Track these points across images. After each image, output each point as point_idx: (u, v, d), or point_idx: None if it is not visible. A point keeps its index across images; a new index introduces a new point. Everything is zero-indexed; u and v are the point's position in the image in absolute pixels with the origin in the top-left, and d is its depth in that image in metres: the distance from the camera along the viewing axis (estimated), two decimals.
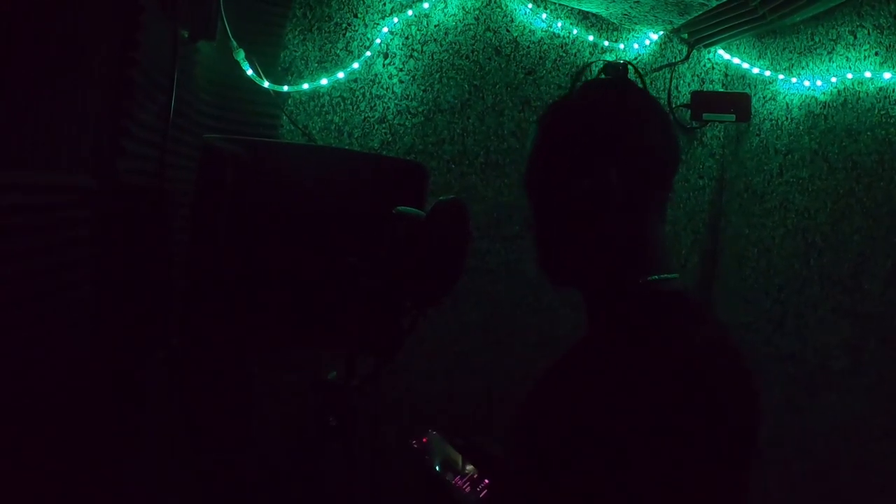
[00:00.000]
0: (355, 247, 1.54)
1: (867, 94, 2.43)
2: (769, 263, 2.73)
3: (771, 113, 2.82)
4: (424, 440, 1.53)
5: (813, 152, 2.61)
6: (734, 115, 2.84)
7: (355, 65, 2.66)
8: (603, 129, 1.13)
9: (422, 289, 1.39)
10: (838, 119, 2.52)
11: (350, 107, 2.70)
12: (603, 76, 1.24)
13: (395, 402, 2.72)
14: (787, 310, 2.62)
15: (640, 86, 1.25)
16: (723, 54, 3.02)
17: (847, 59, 2.52)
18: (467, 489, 1.51)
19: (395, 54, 2.73)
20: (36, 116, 1.32)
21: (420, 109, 2.76)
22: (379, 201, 1.47)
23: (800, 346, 2.54)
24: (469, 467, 1.54)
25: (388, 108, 2.73)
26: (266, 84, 2.46)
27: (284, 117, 2.62)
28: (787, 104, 2.75)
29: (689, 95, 2.94)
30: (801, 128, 2.68)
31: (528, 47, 2.85)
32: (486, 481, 1.55)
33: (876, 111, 2.39)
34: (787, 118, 2.75)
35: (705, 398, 0.99)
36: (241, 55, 2.36)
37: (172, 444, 1.97)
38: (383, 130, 2.73)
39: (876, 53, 2.41)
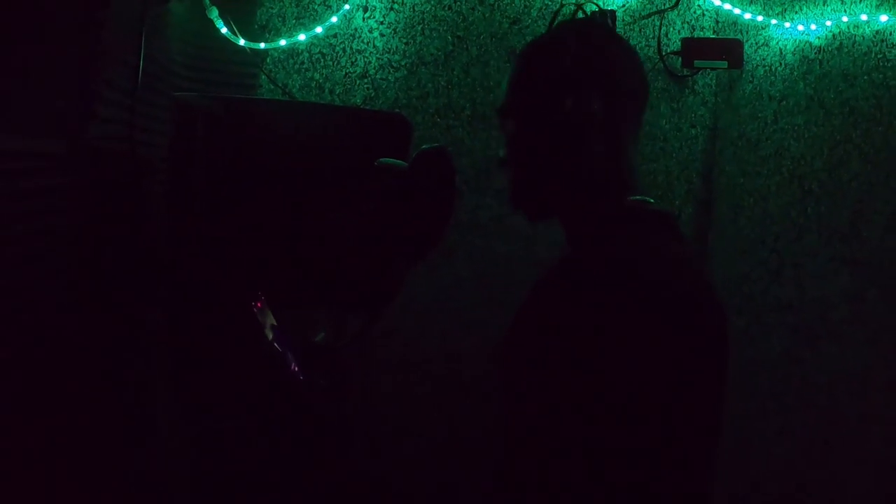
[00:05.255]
0: (337, 202, 1.50)
1: (863, 38, 2.38)
2: (765, 212, 2.69)
3: (764, 59, 2.76)
4: (259, 304, 1.43)
5: (808, 98, 2.56)
6: (726, 62, 2.77)
7: (333, 19, 2.57)
8: (586, 58, 1.26)
9: (409, 241, 1.36)
10: (834, 64, 2.47)
11: (330, 63, 2.62)
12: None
13: (388, 362, 2.68)
14: (784, 259, 2.58)
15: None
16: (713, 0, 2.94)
17: (842, 1, 2.46)
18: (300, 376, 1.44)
19: (375, 7, 2.64)
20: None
21: (402, 63, 2.68)
22: (360, 155, 1.43)
23: (798, 295, 2.51)
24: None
25: (370, 62, 2.65)
26: (242, 42, 2.37)
27: (263, 76, 2.54)
28: (780, 49, 2.69)
29: (679, 43, 2.87)
30: (795, 73, 2.62)
31: None
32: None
33: (873, 55, 2.35)
34: (780, 64, 2.69)
35: (693, 313, 1.09)
36: (214, 13, 2.27)
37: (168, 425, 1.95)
38: (365, 86, 2.65)
39: None
